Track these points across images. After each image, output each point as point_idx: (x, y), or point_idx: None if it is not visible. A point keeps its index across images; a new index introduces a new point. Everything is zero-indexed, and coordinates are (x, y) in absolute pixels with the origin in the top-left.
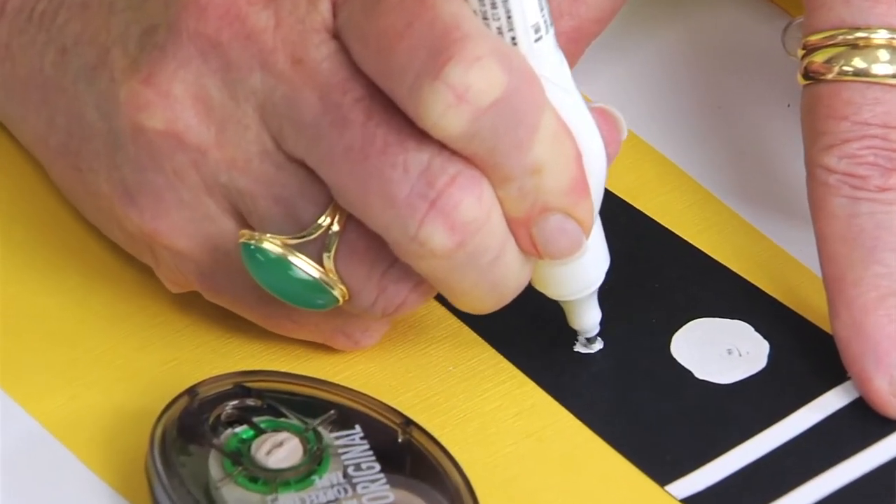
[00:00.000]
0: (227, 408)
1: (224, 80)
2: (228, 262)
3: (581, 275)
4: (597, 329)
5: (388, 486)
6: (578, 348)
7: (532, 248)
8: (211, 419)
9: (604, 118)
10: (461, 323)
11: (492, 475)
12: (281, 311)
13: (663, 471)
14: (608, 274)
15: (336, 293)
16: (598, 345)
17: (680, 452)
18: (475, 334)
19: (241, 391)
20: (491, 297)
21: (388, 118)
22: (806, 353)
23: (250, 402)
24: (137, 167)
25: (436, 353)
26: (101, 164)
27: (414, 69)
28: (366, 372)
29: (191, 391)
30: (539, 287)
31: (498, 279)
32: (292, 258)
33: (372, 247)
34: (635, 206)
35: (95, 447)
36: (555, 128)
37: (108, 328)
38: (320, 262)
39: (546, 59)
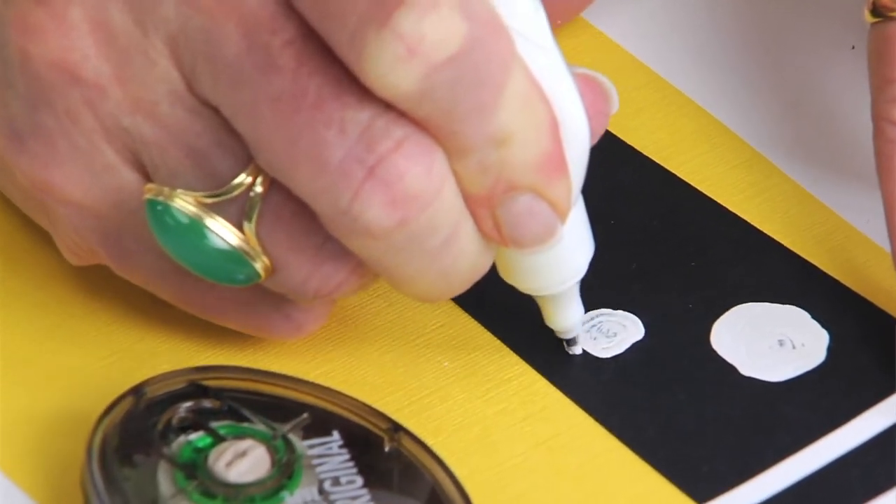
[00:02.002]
0: (180, 410)
1: (131, 4)
2: (135, 222)
3: (558, 264)
4: (577, 331)
5: None
6: (606, 343)
7: (495, 234)
8: (160, 424)
9: (589, 86)
10: (459, 308)
11: (495, 491)
12: (203, 285)
13: (701, 486)
14: (622, 259)
15: (258, 266)
16: (578, 349)
17: (720, 465)
18: (475, 322)
19: (195, 390)
20: (439, 285)
21: (325, 67)
22: (872, 344)
23: (207, 403)
24: (26, 104)
25: (429, 344)
26: None
27: (357, 12)
28: (345, 368)
29: (136, 391)
30: (507, 278)
31: (447, 266)
32: (209, 221)
33: (304, 212)
34: (668, 168)
35: (21, 458)
36: (525, 89)
37: (32, 317)
38: (241, 229)
39: (517, 6)
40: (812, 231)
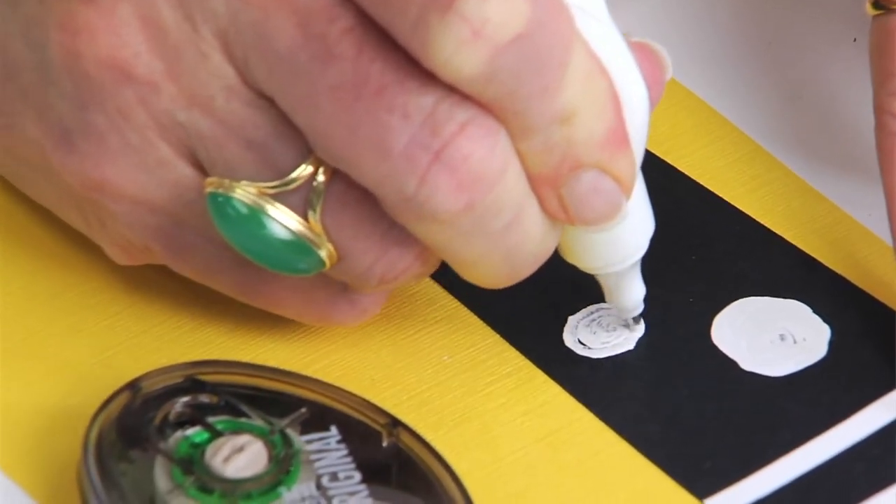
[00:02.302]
0: (177, 405)
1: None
2: (193, 214)
3: (621, 242)
4: (641, 307)
5: (370, 500)
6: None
7: (561, 213)
8: (157, 419)
9: (645, 55)
10: (458, 303)
11: (495, 486)
12: (264, 275)
13: (701, 482)
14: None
15: (322, 254)
16: (642, 327)
17: (721, 460)
18: (475, 316)
19: (192, 385)
20: (504, 269)
21: (385, 53)
22: (874, 339)
23: (204, 398)
24: (76, 105)
25: (428, 339)
26: (28, 104)
27: None
28: (343, 362)
29: (132, 386)
30: (569, 258)
31: (512, 248)
32: (270, 209)
33: (368, 199)
34: (669, 161)
35: (17, 454)
36: (587, 66)
37: (29, 311)
38: (304, 217)
39: None
40: (813, 225)
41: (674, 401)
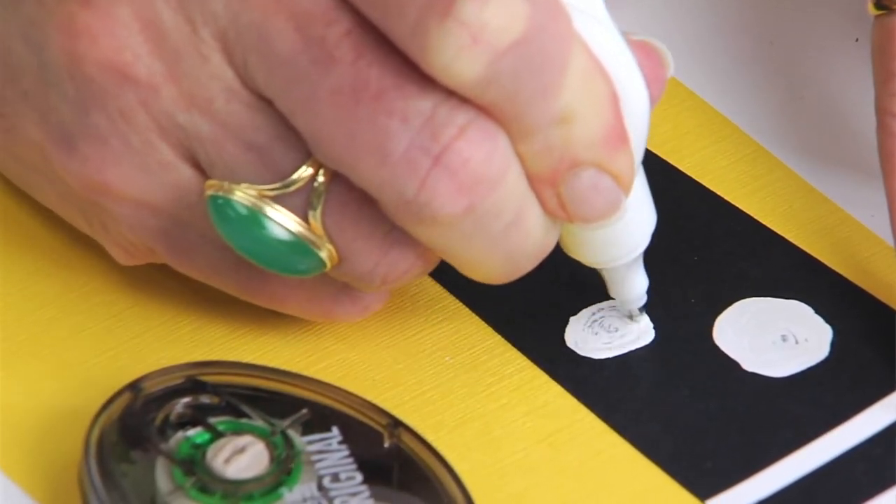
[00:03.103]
0: (178, 406)
1: (179, 1)
2: (195, 216)
3: (623, 237)
4: (644, 299)
5: (371, 500)
6: (608, 339)
7: (560, 211)
8: (158, 420)
9: (645, 53)
10: (460, 303)
11: (496, 487)
12: (266, 274)
13: (703, 483)
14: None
15: (323, 255)
16: (645, 319)
17: (723, 461)
18: (477, 317)
19: (194, 386)
20: (505, 267)
21: (383, 57)
22: (876, 339)
23: (205, 399)
24: (77, 107)
25: (429, 339)
26: (30, 106)
27: (417, 3)
28: (345, 363)
29: (133, 386)
30: (572, 253)
31: (514, 247)
32: (270, 211)
33: (369, 200)
34: (670, 161)
35: (18, 454)
36: (586, 66)
37: (31, 311)
38: (304, 219)
39: None
40: (815, 225)
41: (675, 401)
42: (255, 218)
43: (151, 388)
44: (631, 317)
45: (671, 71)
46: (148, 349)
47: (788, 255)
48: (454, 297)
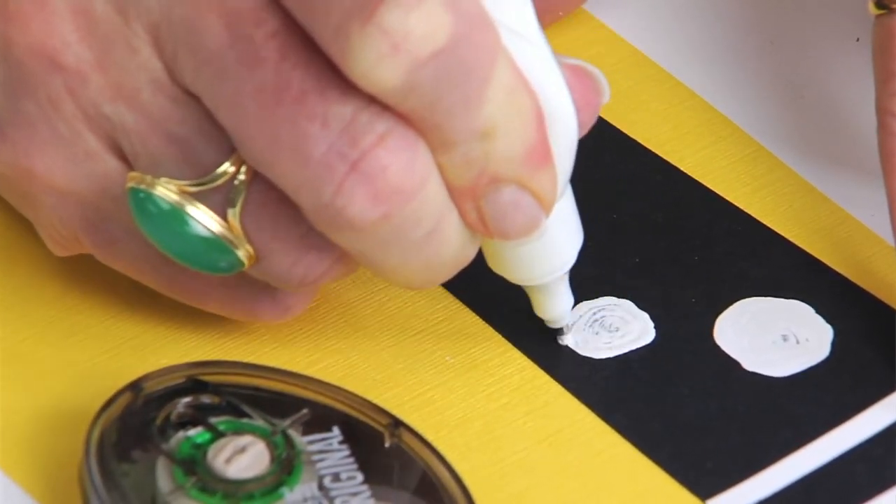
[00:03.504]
0: (179, 406)
1: None
2: (119, 209)
3: (546, 255)
4: (566, 319)
5: (372, 500)
6: (608, 338)
7: (480, 225)
8: (159, 420)
9: (578, 77)
10: (460, 303)
11: (497, 487)
12: (190, 271)
13: (704, 483)
14: (639, 247)
15: (241, 254)
16: (570, 338)
17: (724, 461)
18: (477, 317)
19: (194, 386)
20: (422, 274)
21: (308, 60)
22: (877, 339)
23: (206, 398)
24: (7, 92)
25: (430, 339)
26: None
27: (342, 7)
28: (346, 363)
29: (134, 386)
30: (495, 269)
31: (431, 257)
32: (190, 209)
33: (288, 201)
34: (671, 161)
35: (19, 454)
36: (510, 82)
37: (31, 310)
38: (224, 217)
39: (504, 0)
40: (816, 225)
41: (676, 401)
42: (174, 213)
43: (152, 387)
44: (556, 334)
45: (606, 98)
46: (148, 349)
47: (789, 254)
48: (454, 297)
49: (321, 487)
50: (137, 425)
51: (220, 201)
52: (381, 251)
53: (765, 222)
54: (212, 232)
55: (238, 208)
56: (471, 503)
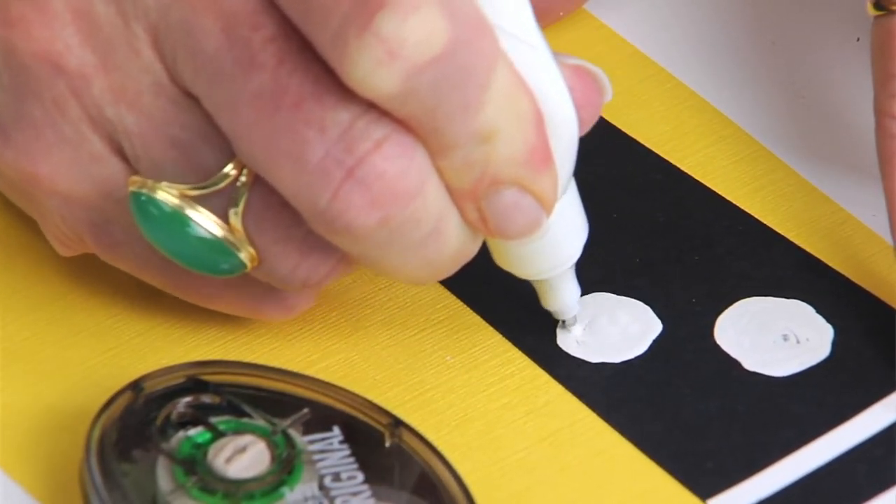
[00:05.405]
0: (179, 406)
1: None
2: (123, 211)
3: (551, 251)
4: (575, 309)
5: (372, 500)
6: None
7: (481, 225)
8: (159, 419)
9: (579, 76)
10: (461, 303)
11: (497, 487)
12: (193, 272)
13: (705, 482)
14: (641, 246)
15: (243, 256)
16: (580, 328)
17: (724, 460)
18: (478, 316)
19: (195, 385)
20: (424, 272)
21: (306, 65)
22: (877, 339)
23: (206, 398)
24: (11, 97)
25: (430, 339)
26: None
27: (339, 13)
28: (346, 362)
29: (134, 386)
30: (501, 264)
31: (433, 255)
32: (191, 212)
33: (290, 204)
34: (672, 161)
35: (19, 454)
36: (508, 85)
37: (31, 310)
38: (225, 219)
39: (501, 2)
40: (817, 225)
41: (676, 401)
42: (176, 217)
43: (152, 387)
44: (564, 326)
45: (608, 97)
46: (149, 349)
47: (789, 254)
48: (455, 297)
49: (321, 487)
50: (138, 425)
51: (221, 204)
52: (381, 253)
53: (765, 222)
54: (213, 235)
55: (240, 211)
56: (471, 503)
